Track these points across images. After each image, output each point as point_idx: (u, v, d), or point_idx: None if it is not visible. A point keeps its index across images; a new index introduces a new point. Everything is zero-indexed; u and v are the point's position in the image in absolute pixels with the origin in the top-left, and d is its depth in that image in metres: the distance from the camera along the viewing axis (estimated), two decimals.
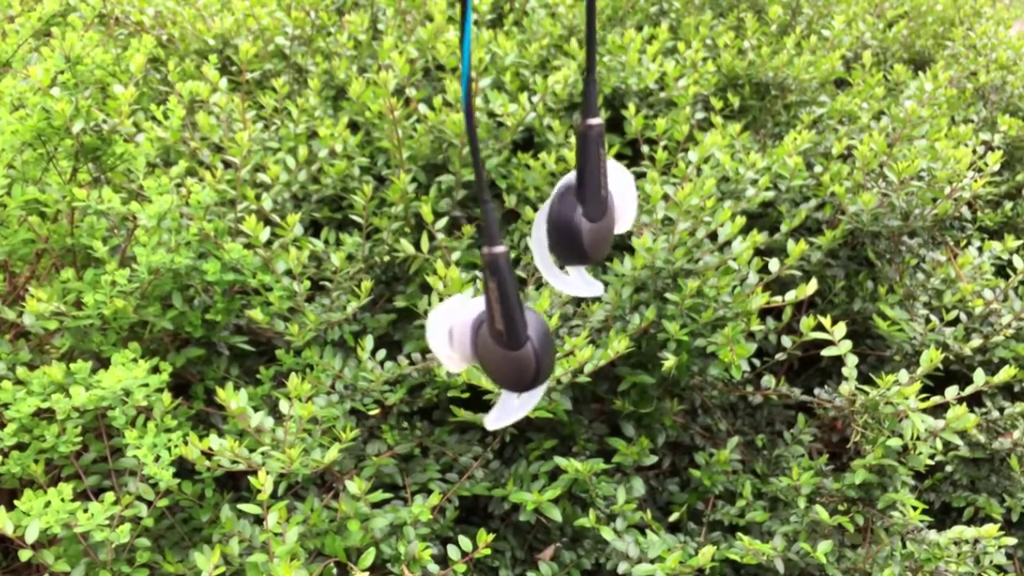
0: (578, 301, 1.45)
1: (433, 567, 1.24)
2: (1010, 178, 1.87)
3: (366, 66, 1.76)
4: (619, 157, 1.71)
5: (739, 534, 1.29)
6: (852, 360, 1.31)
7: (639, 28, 1.94)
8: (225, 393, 1.16)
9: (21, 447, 1.22)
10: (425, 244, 1.40)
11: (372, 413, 1.35)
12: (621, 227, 0.67)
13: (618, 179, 0.66)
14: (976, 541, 1.32)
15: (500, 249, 0.58)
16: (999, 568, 1.36)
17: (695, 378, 1.48)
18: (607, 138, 1.64)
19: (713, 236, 1.43)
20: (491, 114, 1.58)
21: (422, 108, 1.55)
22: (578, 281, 0.70)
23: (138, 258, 1.23)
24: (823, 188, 1.58)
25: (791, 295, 1.36)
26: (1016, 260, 1.53)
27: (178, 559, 1.23)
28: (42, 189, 1.31)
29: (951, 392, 1.31)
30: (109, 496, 1.13)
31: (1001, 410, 1.52)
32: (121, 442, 1.21)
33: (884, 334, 1.53)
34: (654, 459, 1.41)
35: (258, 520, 1.22)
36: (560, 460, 1.33)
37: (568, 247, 0.65)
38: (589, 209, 0.63)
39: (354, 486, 1.22)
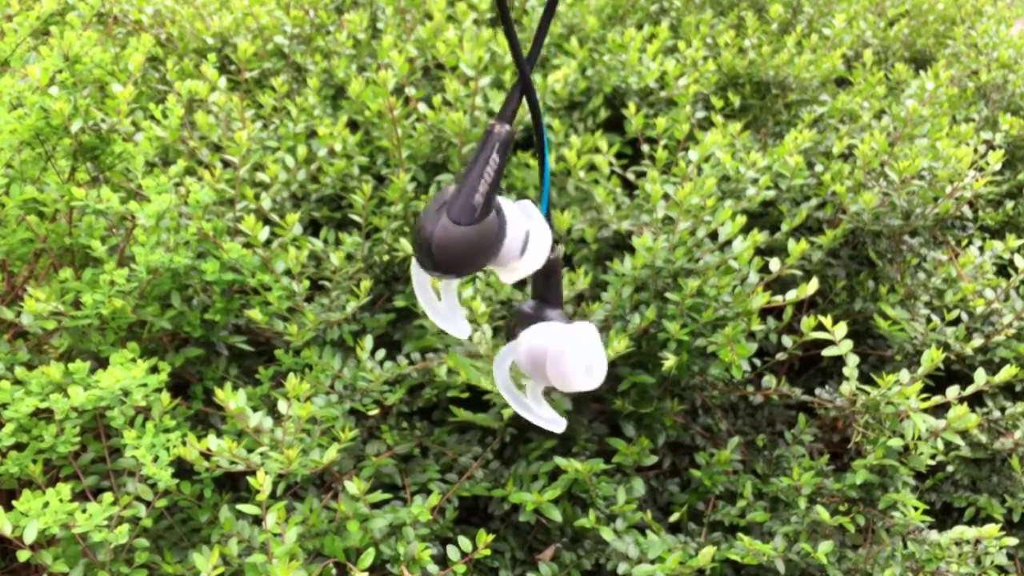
0: (578, 301, 1.45)
1: (433, 568, 1.23)
2: (1011, 177, 1.87)
3: (365, 65, 1.75)
4: (619, 156, 1.71)
5: (740, 534, 1.29)
6: (853, 360, 1.31)
7: (639, 27, 1.94)
8: (224, 393, 1.16)
9: (19, 447, 1.22)
10: None
11: (371, 413, 1.35)
12: (518, 269, 0.66)
13: (532, 224, 0.65)
14: (977, 541, 1.32)
15: (557, 251, 0.67)
16: (1000, 569, 1.36)
17: (695, 378, 1.47)
18: (607, 137, 1.64)
19: (714, 235, 1.43)
20: (491, 113, 1.57)
21: (421, 107, 1.55)
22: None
23: (136, 258, 1.23)
24: (824, 187, 1.57)
25: (792, 295, 1.35)
26: (1017, 259, 1.53)
27: (177, 559, 1.23)
28: (40, 188, 1.31)
29: (952, 392, 1.31)
30: (108, 496, 1.13)
31: (1002, 410, 1.52)
32: (120, 442, 1.21)
33: (885, 334, 1.53)
34: (654, 459, 1.40)
35: (257, 520, 1.21)
36: (560, 460, 1.33)
37: (418, 246, 0.61)
38: (455, 211, 0.59)
39: (353, 486, 1.22)
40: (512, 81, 1.65)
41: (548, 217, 0.66)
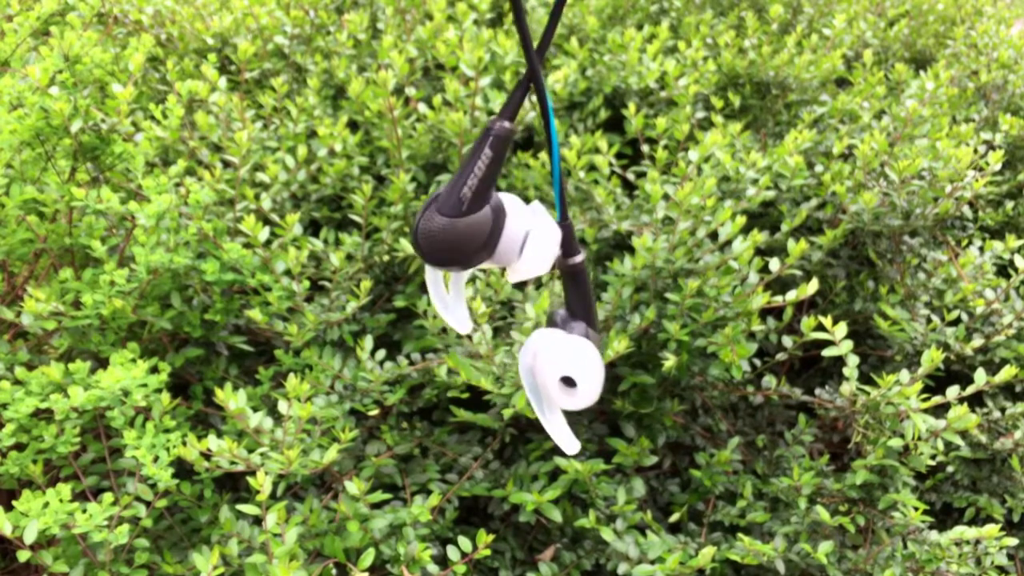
0: None
1: (433, 568, 1.23)
2: (1011, 177, 1.87)
3: (365, 65, 1.75)
4: (619, 156, 1.71)
5: (740, 535, 1.29)
6: (853, 360, 1.31)
7: (639, 27, 1.94)
8: (224, 393, 1.16)
9: (20, 447, 1.22)
10: None
11: (371, 413, 1.35)
12: (519, 270, 0.65)
13: (535, 225, 0.64)
14: (977, 542, 1.32)
15: (581, 257, 0.66)
16: (1000, 569, 1.36)
17: (695, 378, 1.47)
18: (607, 137, 1.64)
19: (714, 236, 1.43)
20: (491, 113, 1.57)
21: (421, 107, 1.55)
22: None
23: (137, 258, 1.23)
24: (824, 187, 1.57)
25: (792, 295, 1.35)
26: (1017, 260, 1.53)
27: (177, 560, 1.23)
28: (40, 189, 1.31)
29: (952, 392, 1.31)
30: (108, 497, 1.13)
31: (1002, 410, 1.52)
32: (120, 442, 1.21)
33: (885, 334, 1.53)
34: (654, 459, 1.40)
35: (257, 521, 1.21)
36: (560, 460, 1.33)
37: (411, 234, 0.64)
38: (442, 202, 0.61)
39: (353, 487, 1.22)
40: (512, 81, 1.66)
41: (565, 219, 0.65)
